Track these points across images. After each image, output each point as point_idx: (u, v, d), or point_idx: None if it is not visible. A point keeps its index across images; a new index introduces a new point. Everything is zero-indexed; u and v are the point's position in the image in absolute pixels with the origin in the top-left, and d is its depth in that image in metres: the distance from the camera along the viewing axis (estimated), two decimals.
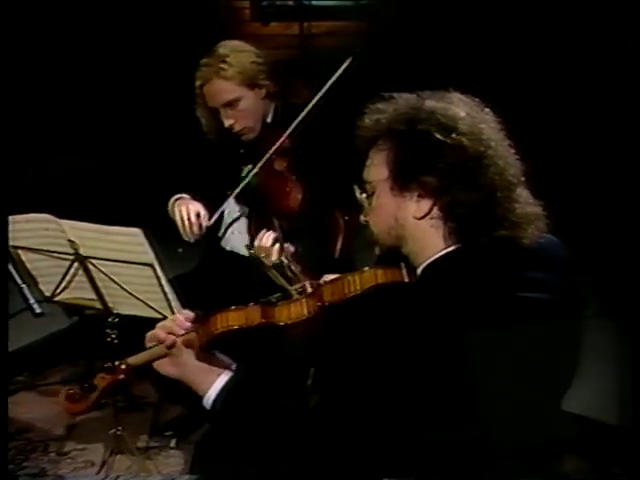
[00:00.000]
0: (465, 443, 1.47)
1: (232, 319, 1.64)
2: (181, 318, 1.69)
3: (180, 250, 2.82)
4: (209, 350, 1.66)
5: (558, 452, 1.66)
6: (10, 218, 2.45)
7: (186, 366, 1.65)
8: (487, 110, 1.65)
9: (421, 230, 1.59)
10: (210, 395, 1.62)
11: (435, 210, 1.57)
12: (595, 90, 4.91)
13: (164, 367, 1.68)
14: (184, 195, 2.93)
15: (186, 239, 2.83)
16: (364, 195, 1.66)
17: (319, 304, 1.63)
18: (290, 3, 5.85)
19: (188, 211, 2.82)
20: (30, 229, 2.48)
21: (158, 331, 1.68)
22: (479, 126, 1.58)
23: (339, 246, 2.92)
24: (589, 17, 4.92)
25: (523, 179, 1.62)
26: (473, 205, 1.54)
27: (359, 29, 5.47)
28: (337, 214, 2.92)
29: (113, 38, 5.38)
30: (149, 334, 1.71)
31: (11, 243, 2.51)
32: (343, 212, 2.93)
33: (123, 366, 1.72)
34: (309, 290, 1.71)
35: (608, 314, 3.73)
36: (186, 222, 2.81)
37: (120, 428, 2.68)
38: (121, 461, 2.71)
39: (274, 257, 2.58)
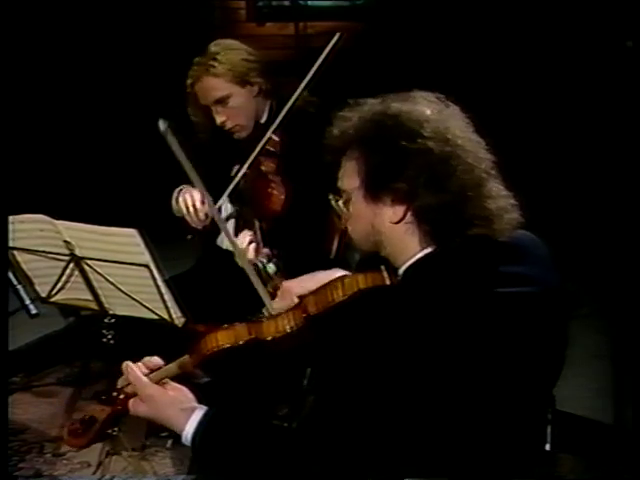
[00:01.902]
0: (458, 444, 1.47)
1: (222, 339, 1.67)
2: (149, 360, 1.72)
3: (189, 237, 2.83)
4: (202, 374, 1.69)
5: (555, 452, 1.67)
6: None
7: (156, 403, 1.64)
8: (452, 106, 1.66)
9: (398, 234, 1.61)
10: (188, 432, 1.61)
11: (409, 214, 1.59)
12: (594, 91, 4.91)
13: (135, 406, 1.68)
14: (187, 186, 2.93)
15: (194, 226, 2.83)
16: (340, 204, 1.69)
17: (304, 315, 1.66)
18: (286, 3, 5.86)
19: (193, 198, 2.82)
20: (25, 230, 2.47)
21: (124, 375, 1.71)
22: (444, 125, 1.59)
23: (335, 246, 2.92)
24: (588, 18, 4.92)
25: (493, 172, 1.63)
26: (445, 207, 1.56)
27: (355, 29, 5.48)
28: (332, 214, 2.91)
29: (109, 39, 5.37)
30: (120, 379, 1.73)
31: None
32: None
33: (121, 396, 1.73)
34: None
35: (605, 314, 3.74)
36: (191, 209, 2.81)
37: (116, 429, 2.67)
38: (117, 462, 2.71)
39: (250, 256, 2.60)
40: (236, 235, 2.82)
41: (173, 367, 1.71)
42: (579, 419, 2.91)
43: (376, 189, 1.60)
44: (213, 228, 2.90)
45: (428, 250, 1.59)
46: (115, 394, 1.73)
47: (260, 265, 2.52)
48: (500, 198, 1.61)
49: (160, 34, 5.41)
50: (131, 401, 1.68)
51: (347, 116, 1.66)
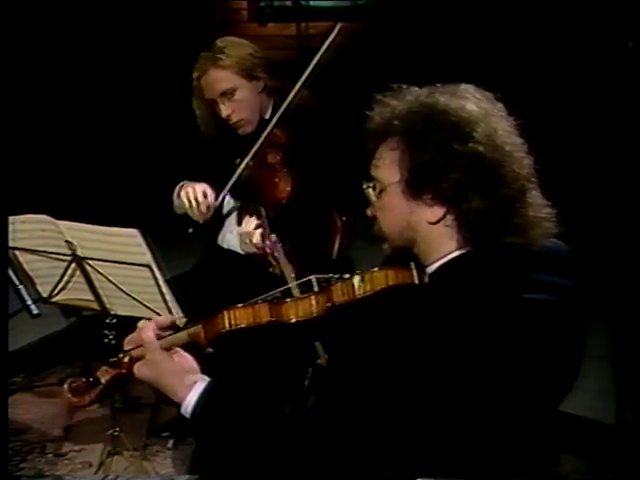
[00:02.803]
0: (468, 444, 1.47)
1: (240, 317, 1.62)
2: (158, 320, 1.69)
3: (190, 230, 2.81)
4: (212, 349, 1.66)
5: (557, 453, 1.67)
6: None
7: (162, 368, 1.61)
8: (499, 105, 1.62)
9: (434, 234, 1.57)
10: (189, 402, 1.58)
11: (449, 216, 1.55)
12: (595, 91, 4.91)
13: (140, 370, 1.64)
14: (188, 181, 2.93)
15: (195, 219, 2.82)
16: (372, 192, 1.64)
17: (329, 304, 1.61)
18: (287, 4, 5.86)
19: (195, 192, 2.81)
20: (27, 230, 2.47)
21: (137, 332, 1.68)
22: (494, 129, 1.55)
23: (337, 246, 2.92)
24: (589, 19, 4.92)
25: (534, 179, 1.60)
26: (488, 213, 1.52)
27: (356, 30, 5.48)
28: (335, 214, 2.92)
29: (111, 38, 5.37)
30: (128, 338, 1.71)
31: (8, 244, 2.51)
32: (341, 213, 2.93)
33: (126, 359, 1.70)
34: (315, 287, 1.69)
35: (606, 314, 3.73)
36: (193, 202, 2.80)
37: (117, 429, 2.68)
38: (118, 462, 2.71)
39: (255, 239, 2.60)
40: (239, 224, 2.82)
41: (184, 335, 1.67)
42: (580, 420, 2.91)
43: (418, 187, 1.55)
44: (214, 222, 2.90)
45: (461, 252, 1.56)
46: (121, 356, 1.71)
47: (268, 249, 2.53)
48: (540, 206, 1.58)
49: (162, 34, 5.41)
50: (136, 365, 1.65)
51: (391, 103, 1.60)
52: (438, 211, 1.55)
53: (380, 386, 1.45)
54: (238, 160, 2.81)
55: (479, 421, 1.45)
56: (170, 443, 3.03)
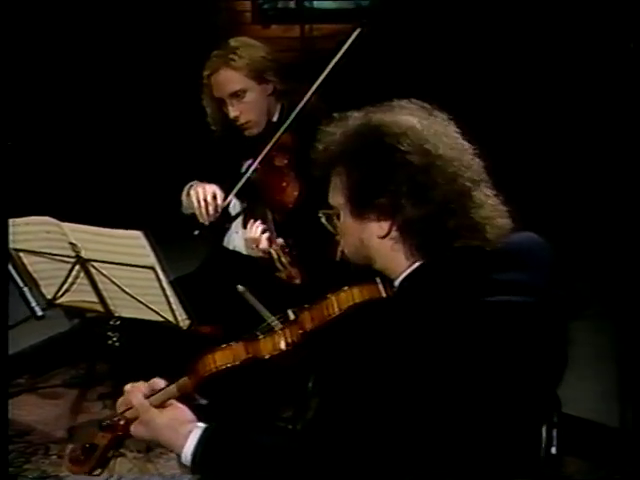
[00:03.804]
0: (458, 449, 1.47)
1: (220, 359, 1.69)
2: (151, 382, 1.73)
3: (196, 233, 2.81)
4: (199, 395, 1.69)
5: (557, 454, 1.67)
6: (11, 221, 2.46)
7: (156, 425, 1.65)
8: (436, 113, 1.64)
9: (386, 249, 1.60)
10: (187, 451, 1.60)
11: (394, 229, 1.58)
12: (596, 92, 4.91)
13: (136, 430, 1.68)
14: (197, 181, 2.94)
15: (202, 221, 2.81)
16: (326, 220, 1.72)
17: (301, 332, 1.66)
18: (291, 6, 5.86)
19: (205, 192, 2.81)
20: (31, 232, 2.48)
21: (126, 396, 1.71)
22: (424, 136, 1.57)
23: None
24: (590, 19, 4.92)
25: (481, 179, 1.61)
26: (428, 219, 1.55)
27: (360, 31, 5.47)
28: None
29: (116, 41, 5.38)
30: (119, 401, 1.74)
31: (12, 246, 2.51)
32: None
33: (122, 422, 1.73)
34: (291, 317, 1.72)
35: (609, 315, 3.73)
36: (202, 203, 2.80)
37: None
38: (122, 464, 2.71)
39: (262, 245, 2.60)
40: (244, 227, 2.82)
41: (173, 389, 1.72)
42: (583, 422, 2.91)
43: (361, 205, 1.60)
44: (221, 225, 2.90)
45: (419, 263, 1.58)
46: (116, 419, 1.74)
47: (274, 255, 2.53)
48: (488, 206, 1.59)
49: (166, 36, 5.42)
50: (132, 426, 1.69)
51: (332, 131, 1.66)
52: (384, 225, 1.58)
53: (363, 402, 1.46)
54: (247, 162, 2.82)
55: (461, 424, 1.46)
56: None
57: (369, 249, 1.63)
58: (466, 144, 1.63)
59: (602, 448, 2.91)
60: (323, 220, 1.73)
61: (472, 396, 1.46)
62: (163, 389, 1.72)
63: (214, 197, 2.80)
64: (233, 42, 2.86)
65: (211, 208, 2.80)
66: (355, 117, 1.66)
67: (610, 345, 3.51)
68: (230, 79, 2.81)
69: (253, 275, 2.71)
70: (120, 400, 1.74)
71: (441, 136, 1.60)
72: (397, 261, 1.60)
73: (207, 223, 2.81)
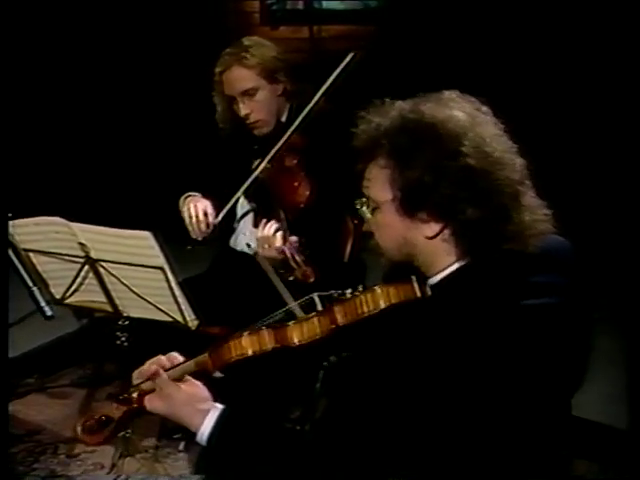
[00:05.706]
0: (480, 450, 1.47)
1: (246, 346, 1.64)
2: (168, 356, 1.71)
3: (189, 247, 2.83)
4: (218, 376, 1.67)
5: (568, 456, 1.66)
6: (20, 221, 2.47)
7: (173, 400, 1.63)
8: (485, 109, 1.60)
9: (432, 248, 1.56)
10: (204, 430, 1.59)
11: (446, 230, 1.54)
12: (597, 92, 4.89)
13: (152, 402, 1.66)
14: (194, 193, 2.95)
15: (194, 237, 2.84)
16: (366, 210, 1.63)
17: (332, 326, 1.62)
18: (300, 7, 5.85)
19: (196, 209, 2.84)
20: (40, 232, 2.48)
21: (146, 366, 1.70)
22: (482, 137, 1.53)
23: (349, 249, 2.92)
24: (590, 19, 4.91)
25: (527, 181, 1.58)
26: (484, 223, 1.51)
27: (369, 33, 5.48)
28: (347, 218, 2.92)
29: (124, 42, 5.39)
30: (136, 371, 1.72)
31: (22, 246, 2.52)
32: (353, 216, 2.93)
33: (136, 394, 1.72)
34: (318, 306, 1.69)
35: (618, 318, 3.72)
36: (194, 219, 2.83)
37: (129, 431, 2.68)
38: (130, 463, 2.72)
39: (277, 244, 2.60)
40: (255, 227, 2.83)
41: (191, 365, 1.69)
42: (592, 424, 2.90)
43: (412, 205, 1.53)
44: (215, 239, 2.90)
45: (461, 263, 1.56)
46: (131, 391, 1.72)
47: (288, 253, 2.54)
48: (535, 209, 1.57)
49: (174, 37, 5.42)
50: (147, 398, 1.67)
51: (375, 120, 1.59)
52: (434, 226, 1.54)
53: (393, 405, 1.45)
54: (255, 162, 2.82)
55: (493, 427, 1.45)
56: (181, 445, 3.03)
57: (413, 247, 1.58)
58: (510, 143, 1.59)
59: (611, 450, 2.91)
60: (359, 209, 1.63)
61: (506, 398, 1.45)
62: (181, 364, 1.69)
63: (205, 214, 2.82)
64: (246, 41, 2.87)
65: (202, 225, 2.83)
66: (401, 107, 1.58)
67: (619, 348, 3.50)
68: (242, 77, 2.83)
69: (260, 275, 2.71)
70: (136, 372, 1.72)
71: (496, 137, 1.56)
72: (441, 261, 1.57)
73: (200, 239, 2.83)
